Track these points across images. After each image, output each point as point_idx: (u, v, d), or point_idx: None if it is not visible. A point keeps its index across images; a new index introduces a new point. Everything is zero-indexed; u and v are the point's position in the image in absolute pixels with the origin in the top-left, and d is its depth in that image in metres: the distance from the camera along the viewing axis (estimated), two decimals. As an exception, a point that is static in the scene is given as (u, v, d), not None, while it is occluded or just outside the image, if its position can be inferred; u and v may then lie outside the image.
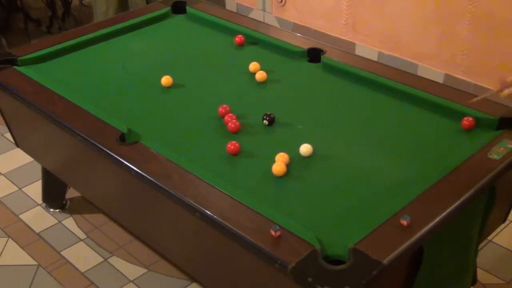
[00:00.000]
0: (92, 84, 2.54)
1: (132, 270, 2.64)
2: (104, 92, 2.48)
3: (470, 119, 2.15)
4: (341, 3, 4.18)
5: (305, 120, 2.28)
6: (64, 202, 3.02)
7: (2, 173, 3.27)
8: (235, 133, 2.19)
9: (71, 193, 3.02)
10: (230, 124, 2.19)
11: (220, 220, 1.74)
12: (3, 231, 2.89)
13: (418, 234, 1.65)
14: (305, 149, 2.04)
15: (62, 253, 2.75)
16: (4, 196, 3.11)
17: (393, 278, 1.70)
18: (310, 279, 1.51)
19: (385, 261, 1.55)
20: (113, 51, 2.79)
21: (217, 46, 2.84)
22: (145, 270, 2.64)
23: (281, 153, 2.01)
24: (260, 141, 2.17)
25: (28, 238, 2.84)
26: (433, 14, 3.74)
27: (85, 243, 2.80)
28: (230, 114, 2.25)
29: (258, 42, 2.81)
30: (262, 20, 4.57)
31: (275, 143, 2.09)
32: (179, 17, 3.08)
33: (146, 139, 2.12)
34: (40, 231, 2.88)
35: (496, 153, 1.94)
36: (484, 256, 2.64)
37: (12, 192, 3.14)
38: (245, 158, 2.07)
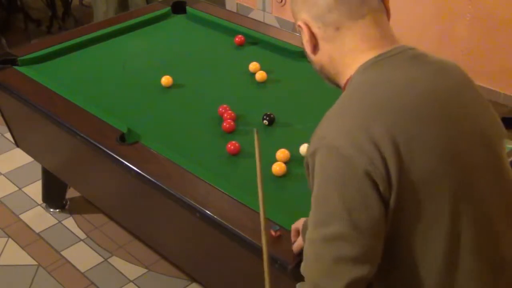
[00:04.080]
0: (92, 84, 2.54)
1: (132, 270, 2.64)
2: (104, 92, 2.48)
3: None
4: (341, 3, 4.18)
5: (305, 120, 2.28)
6: (64, 202, 3.01)
7: (2, 173, 3.27)
8: (230, 133, 2.19)
9: (71, 193, 3.01)
10: (224, 123, 2.20)
11: (220, 220, 1.74)
12: (3, 231, 2.88)
13: (418, 234, 1.65)
14: (305, 149, 2.04)
15: (62, 253, 2.74)
16: (4, 196, 3.11)
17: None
18: (310, 279, 1.51)
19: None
20: (113, 51, 2.79)
21: (217, 46, 2.83)
22: (145, 270, 2.64)
23: (282, 149, 2.01)
24: (260, 141, 2.17)
25: (28, 238, 2.84)
26: (433, 14, 3.73)
27: (85, 243, 2.80)
28: (229, 112, 2.25)
29: (258, 42, 2.81)
30: (262, 20, 4.56)
31: (275, 143, 2.09)
32: (179, 17, 3.08)
33: (146, 139, 2.12)
34: (40, 231, 2.88)
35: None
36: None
37: (12, 192, 3.14)
38: (245, 158, 2.07)
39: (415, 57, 1.22)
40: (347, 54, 1.22)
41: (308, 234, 1.16)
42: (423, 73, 1.20)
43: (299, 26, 1.24)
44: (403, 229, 1.15)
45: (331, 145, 1.12)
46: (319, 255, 1.12)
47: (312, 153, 1.16)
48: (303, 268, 1.18)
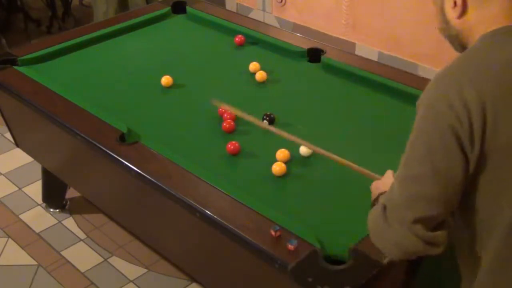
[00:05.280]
0: (92, 84, 2.54)
1: (132, 270, 2.64)
2: (104, 92, 2.48)
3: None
4: (341, 3, 4.18)
5: (305, 120, 2.28)
6: (64, 202, 3.02)
7: (2, 173, 3.27)
8: (230, 133, 2.19)
9: (71, 193, 3.01)
10: (224, 123, 2.20)
11: (220, 220, 1.74)
12: (3, 231, 2.88)
13: (418, 234, 1.64)
14: (305, 149, 2.04)
15: (62, 253, 2.74)
16: (4, 196, 3.11)
17: (393, 278, 1.70)
18: (310, 279, 1.51)
19: (385, 261, 1.55)
20: (113, 51, 2.79)
21: (217, 46, 2.84)
22: (145, 270, 2.64)
23: (282, 149, 2.01)
24: (260, 141, 2.17)
25: (28, 238, 2.84)
26: (434, 15, 3.73)
27: (85, 243, 2.80)
28: (229, 112, 2.25)
29: (258, 42, 2.81)
30: (262, 20, 4.57)
31: (275, 143, 2.09)
32: (179, 17, 3.08)
33: (146, 139, 2.12)
34: (40, 231, 2.88)
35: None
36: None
37: (12, 192, 3.14)
38: (245, 158, 2.07)
39: None
40: (487, 21, 1.28)
41: (398, 170, 1.33)
42: None
43: None
44: (476, 191, 1.26)
45: (428, 99, 1.26)
46: (399, 190, 1.28)
47: (417, 103, 1.29)
48: (387, 192, 1.35)
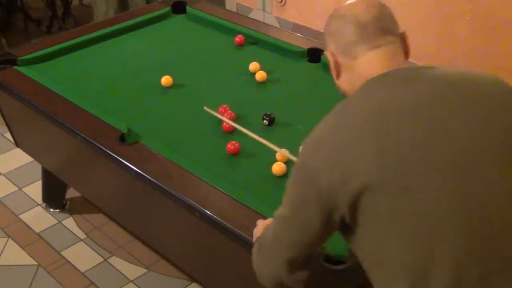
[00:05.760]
0: (92, 84, 2.54)
1: (132, 270, 2.64)
2: (104, 92, 2.48)
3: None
4: (341, 3, 4.18)
5: (305, 120, 2.28)
6: (64, 202, 3.01)
7: (2, 173, 3.27)
8: (230, 133, 2.19)
9: (71, 193, 3.01)
10: (224, 123, 2.20)
11: (220, 220, 1.74)
12: (3, 231, 2.88)
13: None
14: (305, 149, 2.04)
15: (62, 253, 2.74)
16: (4, 196, 3.11)
17: (393, 278, 1.70)
18: (310, 279, 1.51)
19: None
20: (113, 51, 2.79)
21: (217, 46, 2.84)
22: (145, 270, 2.64)
23: (282, 149, 2.01)
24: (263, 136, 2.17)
25: (28, 238, 2.84)
26: (433, 14, 3.73)
27: (85, 243, 2.80)
28: (229, 112, 2.25)
29: (258, 42, 2.81)
30: (262, 20, 4.56)
31: (275, 143, 2.09)
32: (179, 17, 3.08)
33: (146, 139, 2.12)
34: (40, 231, 2.88)
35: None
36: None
37: (12, 192, 3.14)
38: (245, 158, 2.07)
39: (407, 79, 1.28)
40: (361, 77, 1.34)
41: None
42: (397, 95, 1.25)
43: (326, 55, 1.42)
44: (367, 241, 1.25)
45: (303, 153, 1.31)
46: (272, 226, 1.38)
47: (300, 147, 1.35)
48: (267, 227, 1.43)
